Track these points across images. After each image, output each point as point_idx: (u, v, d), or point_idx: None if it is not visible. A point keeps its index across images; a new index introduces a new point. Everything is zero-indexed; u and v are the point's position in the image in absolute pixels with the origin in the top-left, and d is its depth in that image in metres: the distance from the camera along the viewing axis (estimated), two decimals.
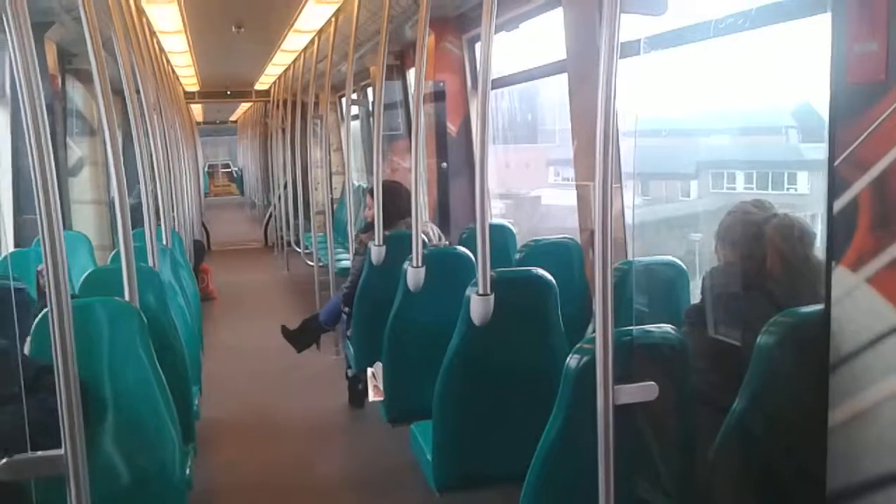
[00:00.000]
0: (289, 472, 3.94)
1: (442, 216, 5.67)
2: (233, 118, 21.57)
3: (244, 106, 17.61)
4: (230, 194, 24.55)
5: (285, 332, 5.15)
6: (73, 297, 1.82)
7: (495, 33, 2.57)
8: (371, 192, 4.33)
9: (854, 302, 1.76)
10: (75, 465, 1.63)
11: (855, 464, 1.78)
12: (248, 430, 4.54)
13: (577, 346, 1.85)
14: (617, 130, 3.23)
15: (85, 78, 6.33)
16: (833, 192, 1.79)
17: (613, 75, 1.71)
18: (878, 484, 1.73)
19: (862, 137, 1.70)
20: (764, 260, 2.30)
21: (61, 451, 1.63)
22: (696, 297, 2.55)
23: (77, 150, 6.56)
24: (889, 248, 1.67)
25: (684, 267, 2.64)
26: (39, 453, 1.65)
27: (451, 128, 5.67)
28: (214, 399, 4.52)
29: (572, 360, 1.83)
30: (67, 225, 5.97)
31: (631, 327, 1.86)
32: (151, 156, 4.37)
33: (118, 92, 3.37)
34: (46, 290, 1.61)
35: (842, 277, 1.78)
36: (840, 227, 1.78)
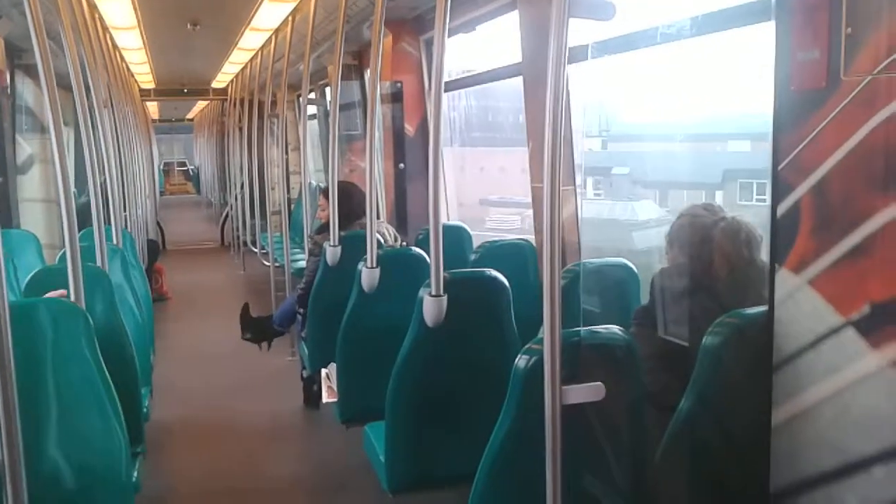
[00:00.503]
0: (241, 475, 3.90)
1: (399, 217, 5.66)
2: (189, 116, 21.32)
3: (201, 104, 17.40)
4: (186, 193, 24.26)
5: (244, 313, 5.05)
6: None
7: (452, 35, 2.58)
8: (325, 192, 4.31)
9: (796, 303, 1.79)
10: (13, 470, 1.59)
11: (797, 462, 1.81)
12: (200, 433, 4.49)
13: (526, 346, 1.86)
14: (571, 132, 3.28)
15: (35, 73, 6.19)
16: (777, 196, 1.83)
17: (562, 79, 1.72)
18: (819, 481, 1.76)
19: (804, 143, 1.74)
20: (711, 262, 2.34)
21: None
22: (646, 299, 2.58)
23: (27, 147, 6.43)
24: (829, 251, 1.70)
25: (635, 269, 2.67)
26: None
27: (409, 128, 5.66)
28: (166, 401, 4.46)
29: (521, 361, 1.84)
30: (15, 223, 5.85)
31: (579, 328, 1.88)
32: (102, 153, 4.30)
33: (68, 88, 3.30)
34: None
35: (785, 279, 1.82)
36: (783, 230, 1.82)
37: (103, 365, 2.31)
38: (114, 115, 5.58)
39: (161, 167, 23.08)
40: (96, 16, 5.34)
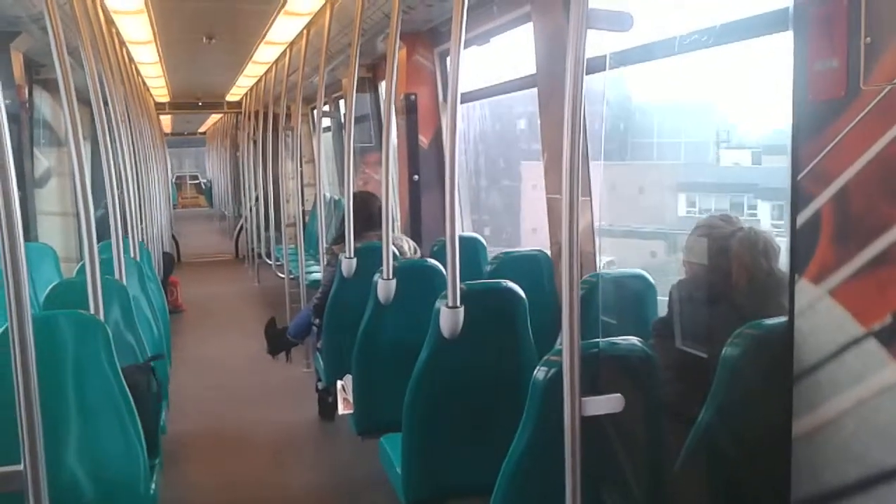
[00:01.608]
0: (257, 487, 3.90)
1: (413, 228, 5.67)
2: (201, 129, 21.43)
3: (214, 117, 17.50)
4: (198, 206, 24.38)
5: (269, 327, 5.04)
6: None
7: (466, 47, 2.59)
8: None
9: (817, 314, 1.78)
10: (35, 481, 1.60)
11: (818, 474, 1.80)
12: (216, 445, 4.49)
13: (545, 358, 1.86)
14: (586, 145, 3.27)
15: (53, 88, 6.27)
16: (796, 206, 1.82)
17: (580, 90, 1.73)
18: (840, 494, 1.75)
19: (824, 152, 1.73)
20: (729, 273, 2.33)
21: (20, 467, 1.60)
22: (663, 310, 2.57)
23: (44, 160, 6.49)
24: (850, 261, 1.69)
25: (651, 280, 2.66)
26: None
27: (423, 140, 5.68)
28: (182, 413, 4.47)
29: (539, 373, 1.84)
30: (33, 237, 5.89)
31: (598, 339, 1.87)
32: (119, 167, 4.33)
33: (86, 102, 3.34)
34: (6, 304, 1.58)
35: (805, 290, 1.81)
36: (803, 240, 1.81)
37: (122, 377, 2.32)
38: (130, 128, 5.63)
39: (174, 181, 23.23)
40: (113, 31, 5.39)
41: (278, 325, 5.09)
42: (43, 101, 6.46)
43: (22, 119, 5.76)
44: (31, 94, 6.17)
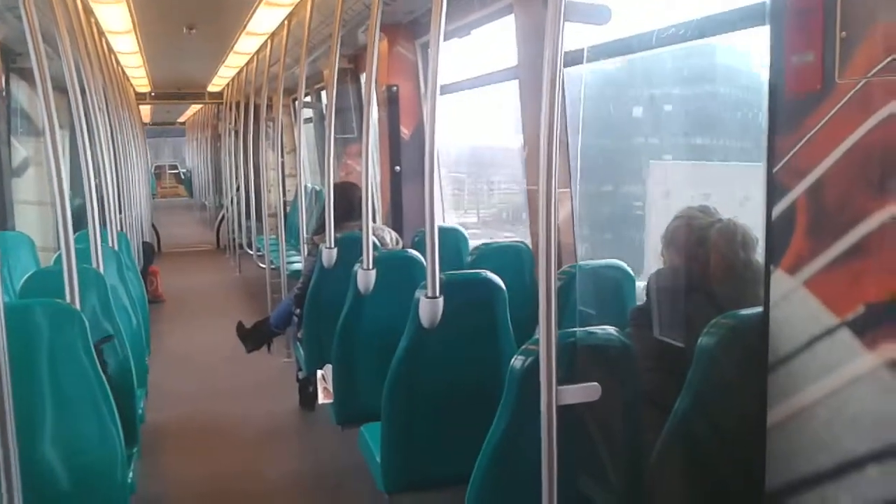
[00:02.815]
0: (236, 476, 3.89)
1: (395, 220, 5.67)
2: (181, 119, 21.28)
3: (194, 107, 17.38)
4: (177, 196, 24.23)
5: (240, 329, 5.09)
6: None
7: (447, 39, 2.59)
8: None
9: (791, 304, 1.80)
10: (8, 470, 1.59)
11: (792, 462, 1.82)
12: (195, 434, 4.48)
13: (522, 347, 1.87)
14: (567, 135, 3.28)
15: (30, 77, 6.20)
16: (772, 198, 1.84)
17: (558, 82, 1.73)
18: (814, 481, 1.77)
19: (799, 145, 1.75)
20: (707, 263, 2.35)
21: None
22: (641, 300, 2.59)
23: (22, 150, 6.43)
24: (824, 253, 1.71)
25: (630, 270, 2.68)
26: None
27: (405, 131, 5.67)
28: (162, 402, 4.45)
29: (516, 362, 1.85)
30: (10, 225, 5.84)
31: (575, 329, 1.89)
32: (98, 156, 4.30)
33: (64, 91, 3.31)
34: None
35: (780, 281, 1.82)
36: (778, 232, 1.82)
37: (99, 367, 2.31)
38: (109, 118, 5.58)
39: (153, 170, 23.07)
40: (92, 20, 5.34)
41: (250, 315, 5.10)
42: (20, 90, 6.39)
43: None
44: (7, 82, 6.11)
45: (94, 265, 3.18)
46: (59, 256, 2.65)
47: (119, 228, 4.92)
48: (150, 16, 5.77)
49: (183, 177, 25.38)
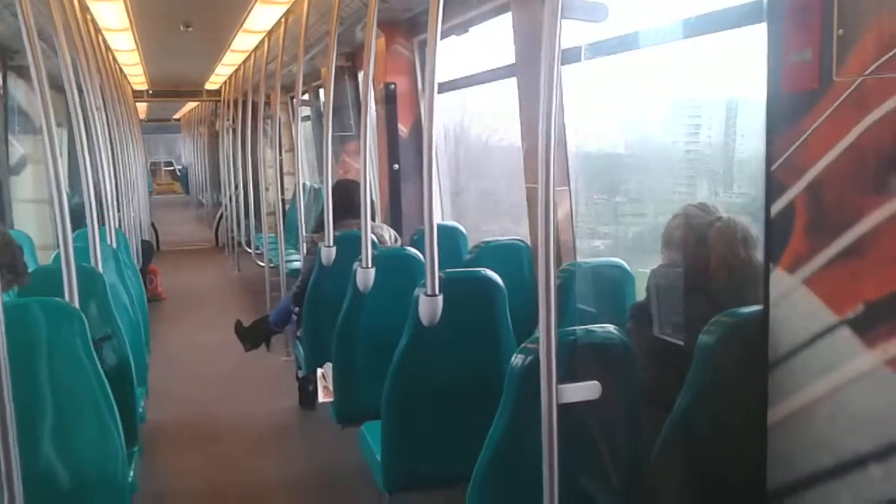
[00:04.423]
0: (237, 475, 3.90)
1: (393, 217, 5.67)
2: (176, 116, 21.26)
3: (190, 104, 17.37)
4: (173, 192, 24.23)
5: (238, 328, 5.09)
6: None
7: (445, 37, 2.59)
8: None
9: (791, 303, 1.80)
10: (8, 470, 1.59)
11: (793, 461, 1.82)
12: (196, 433, 4.48)
13: (522, 346, 1.87)
14: (564, 133, 3.28)
15: (27, 75, 6.17)
16: (770, 196, 1.84)
17: (555, 80, 1.73)
18: (815, 480, 1.77)
19: (797, 143, 1.75)
20: (708, 261, 2.35)
21: None
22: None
23: (20, 147, 6.42)
24: (823, 251, 1.71)
25: (629, 269, 2.68)
26: None
27: (403, 129, 5.66)
28: (162, 401, 4.45)
29: (517, 360, 1.85)
30: (8, 224, 5.83)
31: (575, 327, 1.89)
32: (95, 154, 4.29)
33: (61, 89, 3.30)
34: None
35: (780, 279, 1.82)
36: (777, 230, 1.83)
37: (98, 365, 2.31)
38: (107, 116, 5.57)
39: (148, 167, 23.09)
40: (88, 17, 5.32)
41: (249, 313, 5.11)
42: (17, 88, 6.38)
43: None
44: (4, 80, 6.10)
45: (93, 264, 3.18)
46: (58, 255, 2.65)
47: (117, 226, 4.91)
48: (146, 13, 5.76)
49: (178, 173, 25.36)
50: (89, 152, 3.59)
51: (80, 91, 3.70)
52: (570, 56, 1.89)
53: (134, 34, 6.57)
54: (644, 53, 2.70)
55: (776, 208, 1.81)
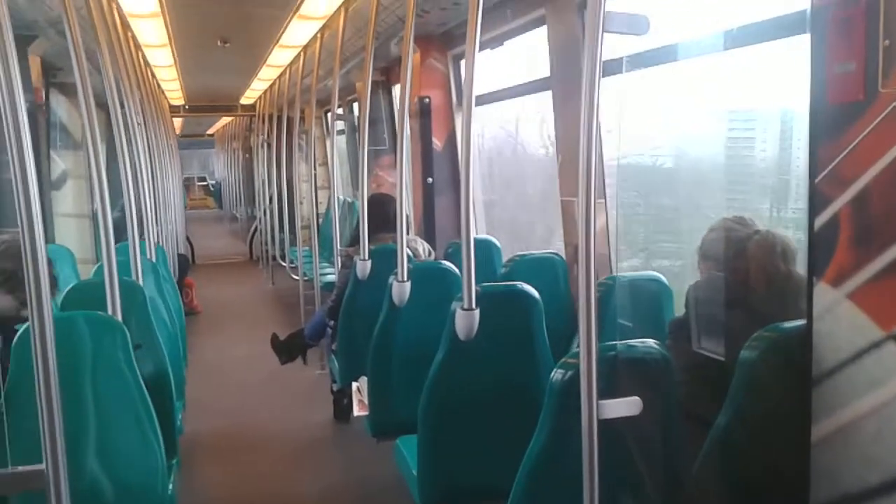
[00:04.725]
0: (273, 488, 3.91)
1: (427, 231, 5.68)
2: (210, 131, 21.52)
3: (224, 119, 17.58)
4: (206, 207, 24.54)
5: (274, 341, 5.13)
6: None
7: (479, 51, 2.60)
8: None
9: (835, 317, 1.77)
10: (56, 481, 1.61)
11: (838, 479, 1.79)
12: (232, 446, 4.51)
13: (562, 360, 1.86)
14: (601, 147, 3.27)
15: (69, 91, 6.31)
16: (814, 208, 1.81)
17: (596, 93, 1.73)
18: (860, 498, 1.74)
19: (842, 156, 1.73)
20: (747, 275, 2.32)
21: (42, 467, 1.62)
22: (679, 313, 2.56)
23: (61, 163, 6.53)
24: (869, 265, 1.69)
25: (667, 283, 2.66)
26: (20, 468, 1.64)
27: (437, 143, 5.68)
28: (199, 414, 4.49)
29: (557, 375, 1.84)
30: (50, 238, 5.93)
31: (615, 342, 1.87)
32: (136, 169, 4.36)
33: (102, 105, 3.37)
34: (28, 305, 1.60)
35: (823, 293, 1.80)
36: (821, 243, 1.80)
37: (140, 378, 2.34)
38: (146, 130, 5.66)
39: (182, 182, 23.38)
40: (129, 34, 5.42)
41: (283, 327, 5.13)
42: (59, 105, 6.50)
43: (39, 122, 5.80)
44: (47, 97, 6.22)
45: (134, 277, 3.23)
46: (100, 268, 2.69)
47: (156, 240, 4.98)
48: (185, 29, 5.85)
49: (212, 188, 25.67)
50: (130, 167, 3.65)
51: (122, 106, 3.77)
52: (611, 68, 1.89)
53: (172, 50, 6.68)
54: (694, 64, 2.67)
55: (820, 221, 1.79)
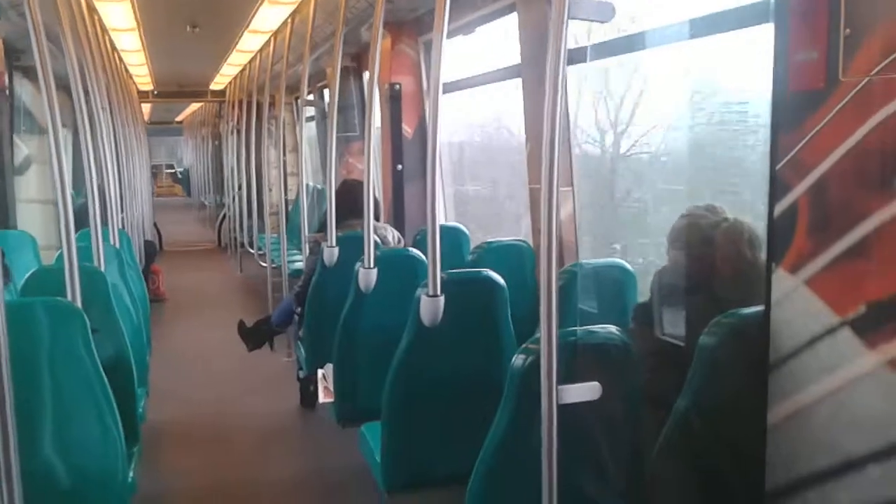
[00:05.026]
0: (237, 475, 3.89)
1: (396, 218, 5.66)
2: (179, 118, 21.28)
3: (192, 106, 17.38)
4: (174, 195, 24.31)
5: (241, 328, 5.10)
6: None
7: (451, 37, 2.58)
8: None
9: (793, 303, 1.79)
10: (8, 469, 1.59)
11: (792, 462, 1.81)
12: (196, 433, 4.48)
13: (523, 346, 1.87)
14: (569, 134, 3.28)
15: (33, 75, 6.19)
16: (774, 196, 1.83)
17: (560, 80, 1.72)
18: (814, 481, 1.76)
19: (802, 143, 1.74)
20: (713, 262, 2.34)
21: None
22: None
23: (24, 148, 6.43)
24: (826, 251, 1.70)
25: (631, 270, 2.67)
26: None
27: (408, 130, 5.66)
28: (163, 402, 4.45)
29: (517, 361, 1.84)
30: (12, 224, 5.84)
31: (575, 328, 1.88)
32: (100, 155, 4.30)
33: (67, 89, 3.31)
34: None
35: (781, 279, 1.82)
36: (780, 230, 1.82)
37: (100, 365, 2.30)
38: (112, 116, 5.58)
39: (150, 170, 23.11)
40: (95, 18, 5.33)
41: (251, 314, 5.11)
42: (23, 89, 6.39)
43: (1, 106, 5.70)
44: (10, 80, 6.10)
45: (96, 263, 3.18)
46: (61, 255, 2.65)
47: (121, 227, 4.92)
48: (153, 13, 5.77)
49: (179, 176, 25.42)
50: (94, 152, 3.59)
51: (86, 91, 3.70)
52: (576, 56, 1.89)
53: (140, 34, 6.58)
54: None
55: (780, 208, 1.81)
